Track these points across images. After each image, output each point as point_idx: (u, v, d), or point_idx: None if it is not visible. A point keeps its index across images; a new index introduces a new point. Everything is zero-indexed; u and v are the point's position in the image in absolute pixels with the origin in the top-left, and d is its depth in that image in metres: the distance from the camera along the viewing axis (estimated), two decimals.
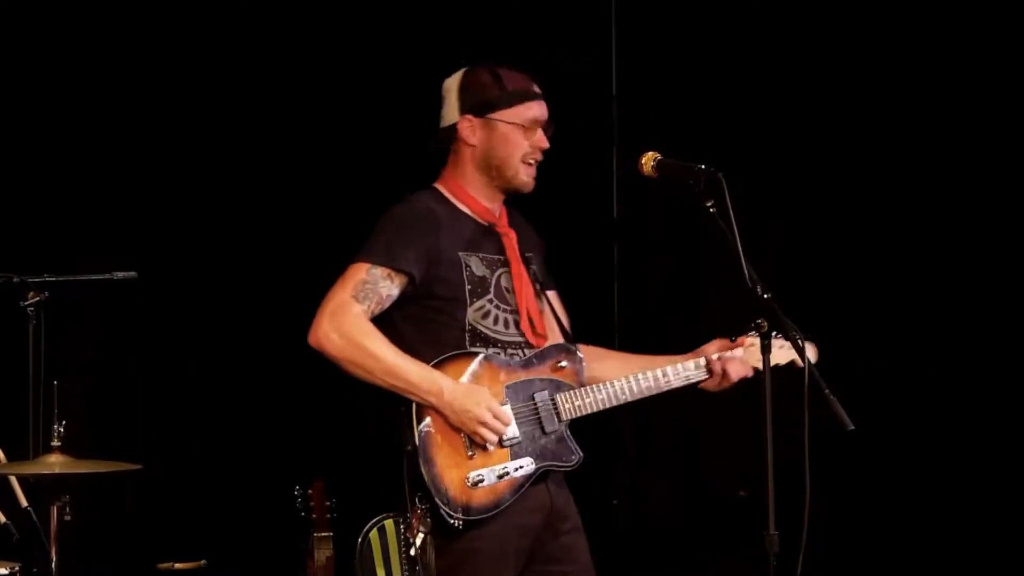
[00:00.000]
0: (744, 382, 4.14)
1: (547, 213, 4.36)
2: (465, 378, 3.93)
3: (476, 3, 6.11)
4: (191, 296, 6.01)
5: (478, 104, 4.07)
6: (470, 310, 4.00)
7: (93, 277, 4.94)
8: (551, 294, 4.25)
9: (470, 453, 3.91)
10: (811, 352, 4.01)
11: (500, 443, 3.92)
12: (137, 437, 5.79)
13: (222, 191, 6.06)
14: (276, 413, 6.01)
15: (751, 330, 3.84)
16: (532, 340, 4.07)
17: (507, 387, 3.99)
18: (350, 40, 6.13)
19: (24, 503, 4.68)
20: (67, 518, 4.46)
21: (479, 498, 3.90)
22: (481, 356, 3.98)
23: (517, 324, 4.06)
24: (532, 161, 4.09)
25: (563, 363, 4.06)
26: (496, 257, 4.08)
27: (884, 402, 5.58)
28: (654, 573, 6.19)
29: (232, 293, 6.04)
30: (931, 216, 5.84)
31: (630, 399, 4.09)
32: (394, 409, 3.91)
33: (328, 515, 5.44)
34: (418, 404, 3.89)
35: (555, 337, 4.17)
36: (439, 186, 4.13)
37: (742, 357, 4.14)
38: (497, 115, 4.06)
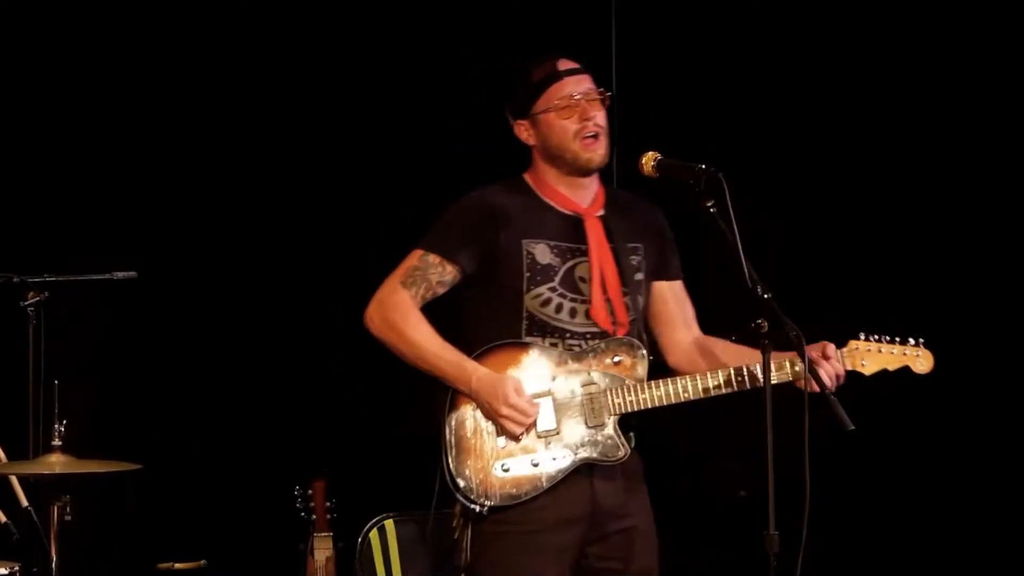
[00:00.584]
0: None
1: None
2: (513, 368, 3.97)
3: (476, 3, 6.11)
4: (191, 296, 6.01)
5: (518, 107, 4.14)
6: (527, 297, 4.02)
7: (93, 277, 4.95)
8: (667, 284, 4.23)
9: (502, 442, 3.95)
10: (927, 362, 4.05)
11: (536, 433, 3.95)
12: (137, 437, 5.79)
13: (222, 191, 6.05)
14: (276, 413, 6.01)
15: (755, 330, 3.80)
16: (609, 329, 4.06)
17: (555, 379, 4.00)
18: (350, 40, 6.12)
19: (25, 503, 4.68)
20: (67, 518, 4.46)
21: (506, 486, 3.94)
22: (531, 346, 4.00)
23: (587, 313, 4.04)
24: (589, 135, 4.07)
25: (619, 357, 4.04)
26: (572, 246, 4.08)
27: (884, 402, 5.57)
28: None
29: (232, 293, 6.03)
30: (931, 216, 5.84)
31: (692, 397, 4.03)
32: (437, 395, 4.00)
33: (328, 515, 5.44)
34: (454, 391, 3.97)
35: (671, 328, 4.19)
36: (527, 176, 4.17)
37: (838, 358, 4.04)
38: (534, 109, 4.10)
